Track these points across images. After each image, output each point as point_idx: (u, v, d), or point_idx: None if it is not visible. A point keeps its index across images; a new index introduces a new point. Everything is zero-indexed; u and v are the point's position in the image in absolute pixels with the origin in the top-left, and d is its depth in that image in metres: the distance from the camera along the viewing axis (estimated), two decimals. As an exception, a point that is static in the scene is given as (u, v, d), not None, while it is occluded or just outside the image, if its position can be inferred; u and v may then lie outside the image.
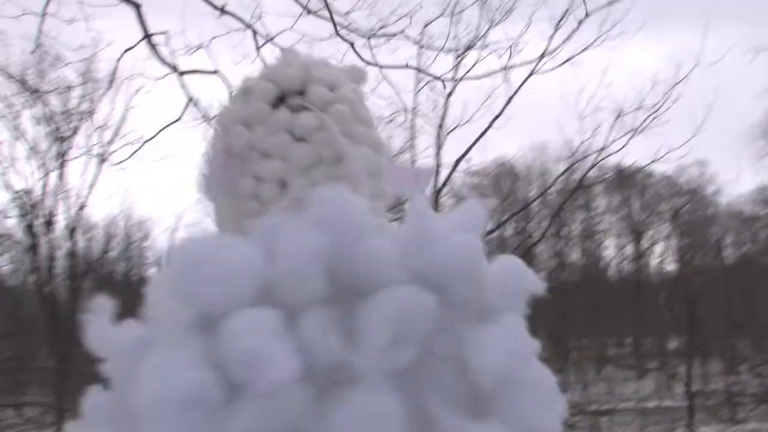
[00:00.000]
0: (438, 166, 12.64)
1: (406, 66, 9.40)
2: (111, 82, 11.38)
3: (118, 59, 9.57)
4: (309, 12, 8.27)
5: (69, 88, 17.51)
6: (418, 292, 1.37)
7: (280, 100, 1.71)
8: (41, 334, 19.76)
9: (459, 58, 11.64)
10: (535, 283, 1.50)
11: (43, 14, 8.13)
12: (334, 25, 8.31)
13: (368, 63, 8.55)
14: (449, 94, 12.22)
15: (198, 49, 8.70)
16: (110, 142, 19.30)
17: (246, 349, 1.26)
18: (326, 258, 1.36)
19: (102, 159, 19.72)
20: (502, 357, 1.36)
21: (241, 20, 8.27)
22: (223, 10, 8.03)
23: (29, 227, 20.70)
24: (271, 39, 8.36)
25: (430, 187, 1.95)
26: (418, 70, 10.06)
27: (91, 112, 19.74)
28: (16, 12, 8.64)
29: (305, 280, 1.35)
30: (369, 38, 8.73)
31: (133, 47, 8.43)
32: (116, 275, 26.21)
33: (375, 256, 1.39)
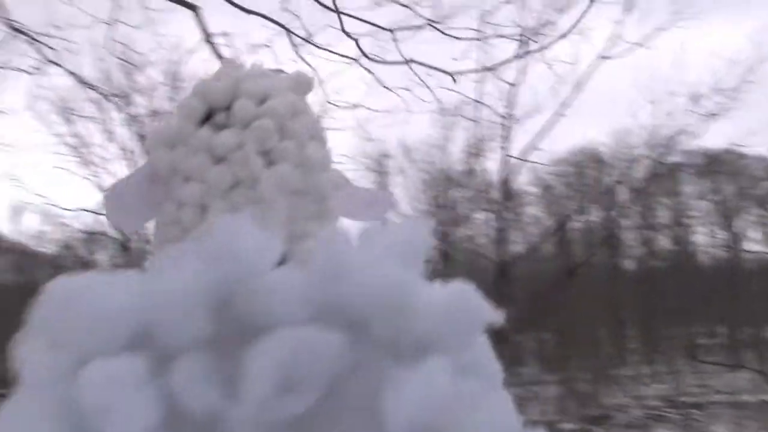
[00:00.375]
0: (506, 157, 12.44)
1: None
2: (174, 83, 11.62)
3: (181, 62, 9.77)
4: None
5: (153, 89, 18.04)
6: (318, 333, 1.23)
7: (208, 118, 1.62)
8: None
9: (526, 46, 11.42)
10: (487, 315, 1.34)
11: (111, 22, 8.37)
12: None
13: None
14: (516, 84, 12.00)
15: (260, 47, 8.78)
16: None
17: (94, 402, 1.16)
18: (214, 296, 1.24)
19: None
20: (416, 407, 1.20)
21: (273, 21, 8.27)
22: (250, 11, 8.05)
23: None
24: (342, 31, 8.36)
25: (389, 214, 1.76)
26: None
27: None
28: (89, 22, 8.90)
29: (184, 321, 1.23)
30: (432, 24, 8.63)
31: (194, 50, 8.57)
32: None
33: (270, 293, 1.25)
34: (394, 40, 8.77)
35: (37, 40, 8.14)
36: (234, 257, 1.27)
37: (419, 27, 8.88)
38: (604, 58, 11.45)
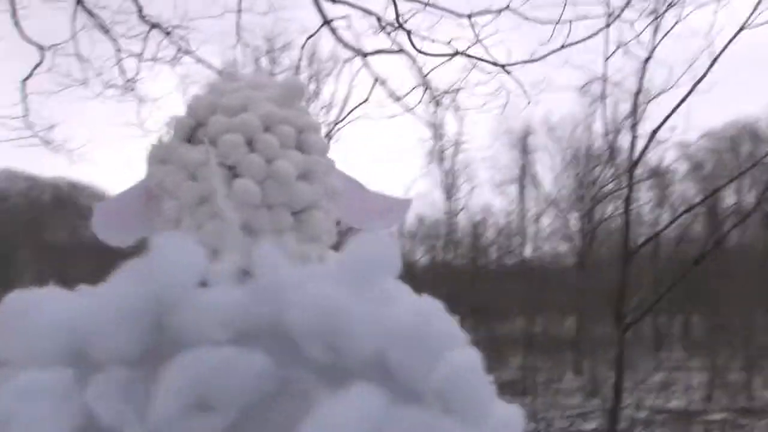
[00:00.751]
0: (634, 137, 11.88)
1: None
2: (298, 68, 11.85)
3: (302, 47, 9.98)
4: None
5: (296, 70, 18.52)
6: (237, 353, 1.21)
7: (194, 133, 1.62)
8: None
9: (657, 18, 10.80)
10: (451, 342, 1.26)
11: (239, 10, 8.62)
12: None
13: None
14: (647, 59, 11.39)
15: (383, 30, 8.74)
16: (337, 121, 20.20)
17: (5, 412, 1.19)
18: (143, 314, 1.26)
19: (328, 137, 20.71)
20: None
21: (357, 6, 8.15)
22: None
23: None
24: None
25: (404, 220, 1.74)
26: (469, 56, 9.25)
27: (316, 94, 20.78)
28: (219, 11, 9.18)
29: (112, 338, 1.25)
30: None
31: (313, 34, 8.71)
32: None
33: (195, 312, 1.25)
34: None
35: (171, 33, 8.56)
36: (163, 276, 1.28)
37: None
38: (746, 27, 10.63)
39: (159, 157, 1.62)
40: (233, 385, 1.21)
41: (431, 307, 1.33)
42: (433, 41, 8.39)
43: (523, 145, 24.49)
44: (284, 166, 1.53)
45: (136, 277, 1.30)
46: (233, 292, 1.29)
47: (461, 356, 1.28)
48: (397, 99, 8.74)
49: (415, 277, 26.72)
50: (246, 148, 1.54)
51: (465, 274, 24.11)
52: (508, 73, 8.78)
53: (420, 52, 8.41)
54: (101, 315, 1.27)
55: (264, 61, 15.49)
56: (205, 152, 1.53)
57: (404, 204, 1.77)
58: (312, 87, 21.06)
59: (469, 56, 8.59)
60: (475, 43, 8.39)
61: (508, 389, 18.90)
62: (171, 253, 1.32)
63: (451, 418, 1.24)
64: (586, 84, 12.37)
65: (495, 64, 8.55)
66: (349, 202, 1.66)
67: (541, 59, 8.47)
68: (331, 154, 1.67)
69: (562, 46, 8.34)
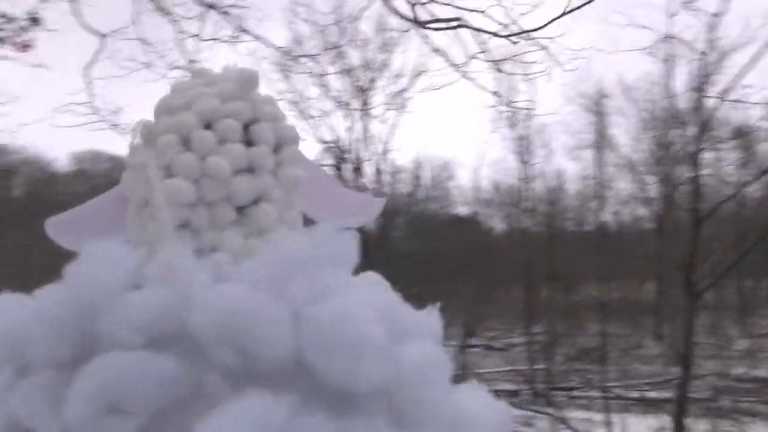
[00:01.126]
0: (702, 96, 11.36)
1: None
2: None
3: (355, 19, 9.85)
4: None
5: (365, 42, 18.57)
6: (147, 357, 1.24)
7: None
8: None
9: None
10: (372, 338, 1.21)
11: None
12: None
13: None
14: (716, 16, 10.85)
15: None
16: (404, 90, 20.23)
17: None
18: (70, 320, 1.30)
19: (399, 106, 20.77)
20: None
21: None
22: None
23: (339, 174, 22.45)
24: None
25: (377, 215, 1.67)
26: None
27: (386, 64, 20.81)
28: None
29: (41, 342, 1.30)
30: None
31: (368, 6, 8.61)
32: (426, 214, 27.60)
33: (114, 318, 1.27)
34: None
35: (228, 12, 8.66)
36: (87, 283, 1.31)
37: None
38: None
39: (125, 161, 1.64)
40: (143, 389, 1.23)
41: (367, 303, 1.27)
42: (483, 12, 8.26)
43: (598, 108, 23.92)
44: (217, 163, 1.50)
45: (66, 285, 1.34)
46: (150, 296, 1.30)
47: (399, 356, 1.24)
48: (455, 67, 8.62)
49: (490, 244, 26.63)
50: (180, 147, 1.52)
51: (541, 241, 23.86)
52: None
53: (478, 29, 8.28)
54: (32, 321, 1.32)
55: (331, 34, 15.53)
56: (146, 154, 1.54)
57: (377, 202, 1.72)
58: (381, 57, 21.08)
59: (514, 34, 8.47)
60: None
61: (585, 356, 18.71)
62: (97, 260, 1.34)
63: (380, 422, 1.22)
64: (654, 44, 11.93)
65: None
66: (320, 195, 1.62)
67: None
68: (301, 144, 1.62)
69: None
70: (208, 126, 1.54)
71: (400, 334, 1.27)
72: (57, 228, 1.63)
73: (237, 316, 1.23)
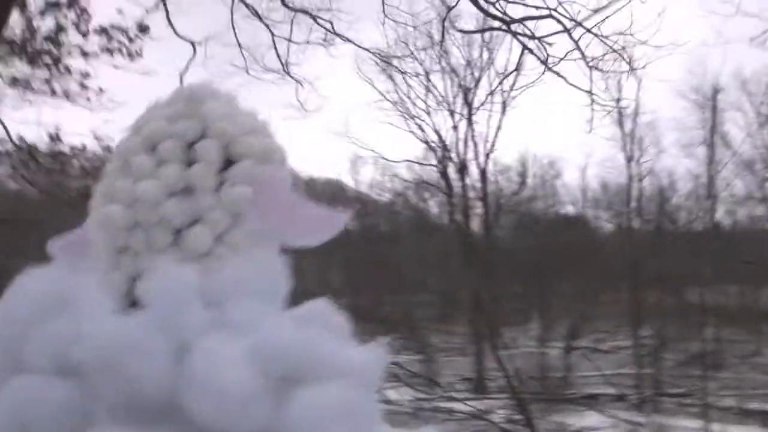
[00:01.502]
0: None
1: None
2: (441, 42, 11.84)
3: (443, 20, 9.95)
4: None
5: (468, 41, 18.51)
6: (44, 382, 1.25)
7: None
8: (460, 269, 21.49)
9: None
10: (251, 386, 1.19)
11: None
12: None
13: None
14: None
15: None
16: (510, 89, 20.02)
17: None
18: (6, 344, 1.32)
19: (504, 104, 20.60)
20: None
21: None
22: None
23: (444, 174, 22.48)
24: None
25: (339, 231, 1.58)
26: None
27: (491, 62, 20.66)
28: None
29: None
30: None
31: (454, 6, 8.60)
32: (533, 214, 27.28)
33: (32, 342, 1.29)
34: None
35: (318, 17, 8.86)
36: (20, 306, 1.35)
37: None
38: None
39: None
40: (43, 415, 1.25)
41: (252, 345, 1.25)
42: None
43: (713, 103, 22.92)
44: (145, 187, 1.48)
45: (7, 304, 1.38)
46: (65, 324, 1.31)
47: (283, 403, 1.21)
48: (547, 66, 8.48)
49: (598, 244, 26.01)
50: (120, 173, 1.53)
51: (650, 241, 23.12)
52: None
53: (575, 19, 8.12)
54: None
55: (431, 35, 15.54)
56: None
57: (338, 219, 1.64)
58: (485, 56, 20.91)
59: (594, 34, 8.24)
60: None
61: (697, 362, 18.00)
62: (26, 286, 1.39)
63: None
64: (763, 33, 11.29)
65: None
66: (280, 213, 1.55)
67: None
68: (259, 157, 1.54)
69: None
70: (153, 148, 1.53)
71: (298, 379, 1.24)
72: (60, 250, 1.62)
73: (116, 350, 1.25)
